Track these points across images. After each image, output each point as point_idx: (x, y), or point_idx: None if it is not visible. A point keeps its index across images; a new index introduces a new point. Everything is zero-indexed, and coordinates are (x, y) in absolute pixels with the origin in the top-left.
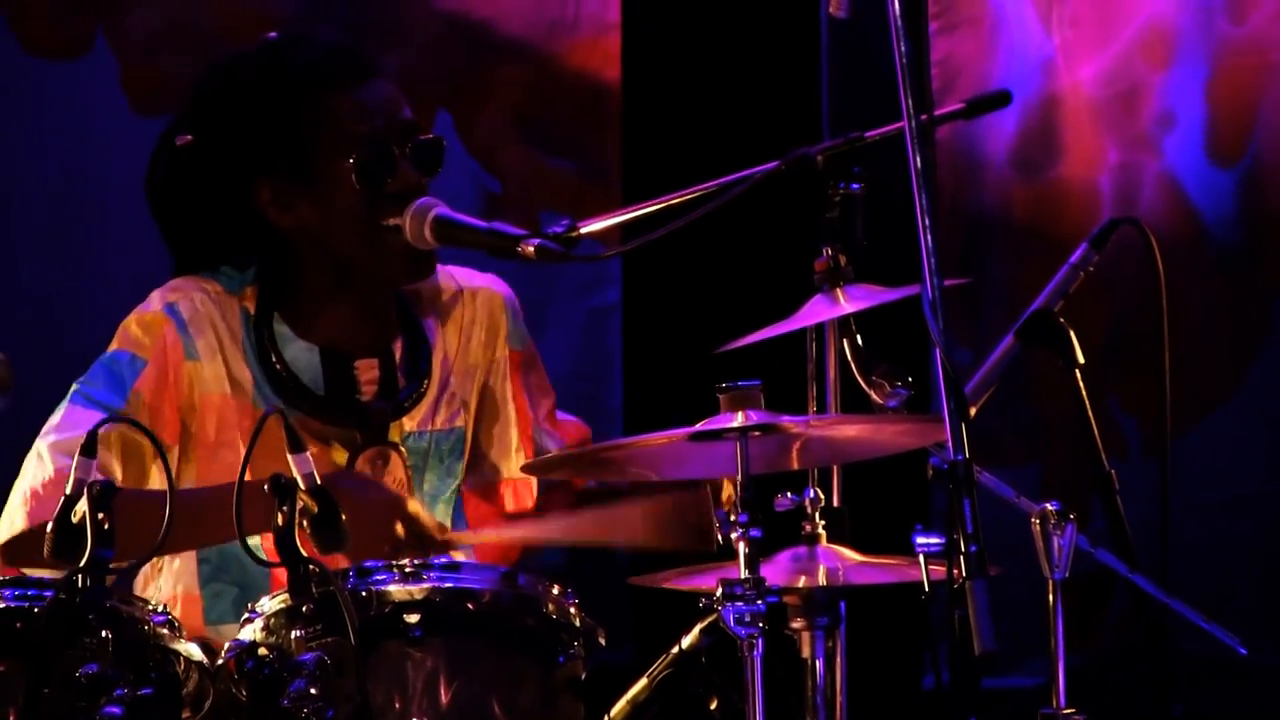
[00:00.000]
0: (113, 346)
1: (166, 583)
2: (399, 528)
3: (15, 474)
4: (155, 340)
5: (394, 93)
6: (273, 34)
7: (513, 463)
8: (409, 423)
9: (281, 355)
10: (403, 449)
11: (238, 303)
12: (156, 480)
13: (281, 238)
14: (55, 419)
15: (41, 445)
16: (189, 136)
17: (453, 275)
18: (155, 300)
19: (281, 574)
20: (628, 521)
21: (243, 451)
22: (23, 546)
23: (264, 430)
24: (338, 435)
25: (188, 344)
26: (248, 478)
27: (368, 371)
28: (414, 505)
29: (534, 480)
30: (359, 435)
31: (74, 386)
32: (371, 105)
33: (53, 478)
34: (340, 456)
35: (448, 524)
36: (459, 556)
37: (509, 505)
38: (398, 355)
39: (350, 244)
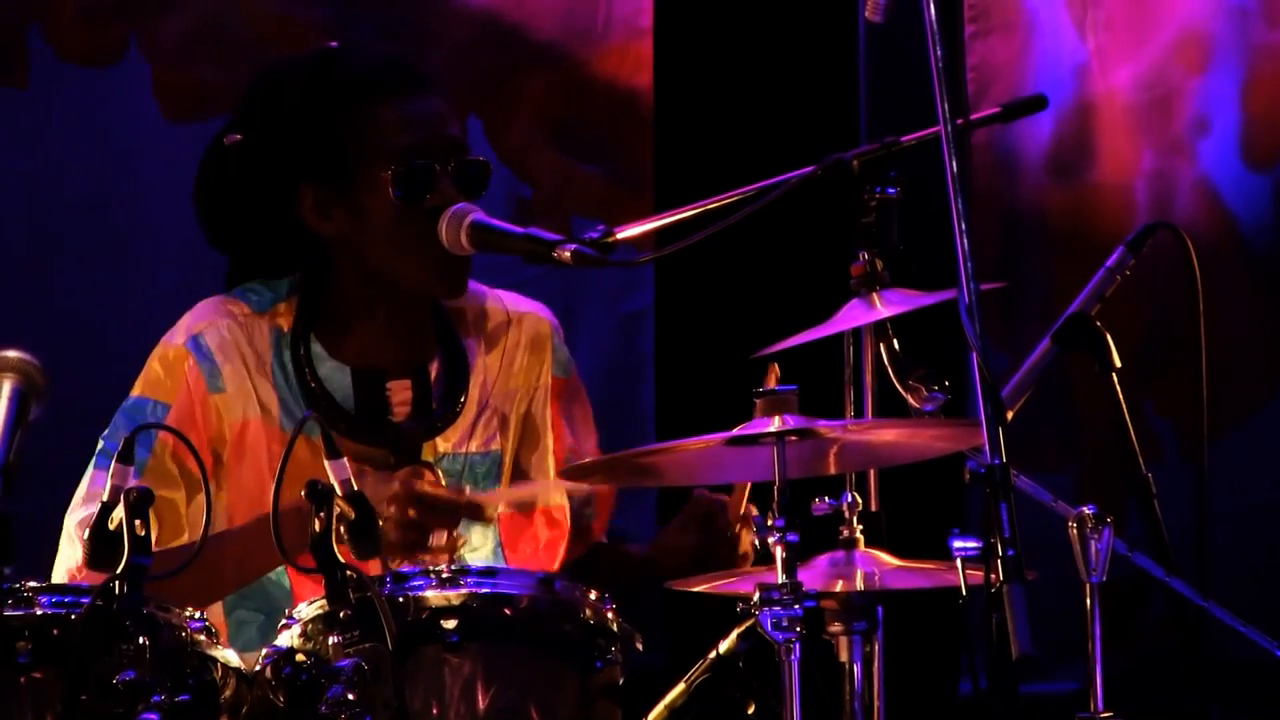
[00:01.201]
0: (136, 390)
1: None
2: (410, 512)
3: (53, 483)
4: (177, 381)
5: (443, 109)
6: (333, 43)
7: (551, 490)
8: (443, 444)
9: (316, 373)
10: (438, 469)
11: (267, 322)
12: (187, 535)
13: (322, 247)
14: (81, 490)
15: (70, 524)
16: (238, 136)
17: (500, 299)
18: (180, 333)
19: (305, 594)
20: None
21: (267, 474)
22: None
23: (293, 457)
24: (370, 455)
25: (211, 377)
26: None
27: (400, 393)
28: (420, 485)
29: (568, 509)
30: (392, 456)
31: (99, 444)
32: (417, 119)
33: (85, 559)
34: None
35: (487, 550)
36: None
37: (543, 534)
38: (433, 375)
39: (385, 256)
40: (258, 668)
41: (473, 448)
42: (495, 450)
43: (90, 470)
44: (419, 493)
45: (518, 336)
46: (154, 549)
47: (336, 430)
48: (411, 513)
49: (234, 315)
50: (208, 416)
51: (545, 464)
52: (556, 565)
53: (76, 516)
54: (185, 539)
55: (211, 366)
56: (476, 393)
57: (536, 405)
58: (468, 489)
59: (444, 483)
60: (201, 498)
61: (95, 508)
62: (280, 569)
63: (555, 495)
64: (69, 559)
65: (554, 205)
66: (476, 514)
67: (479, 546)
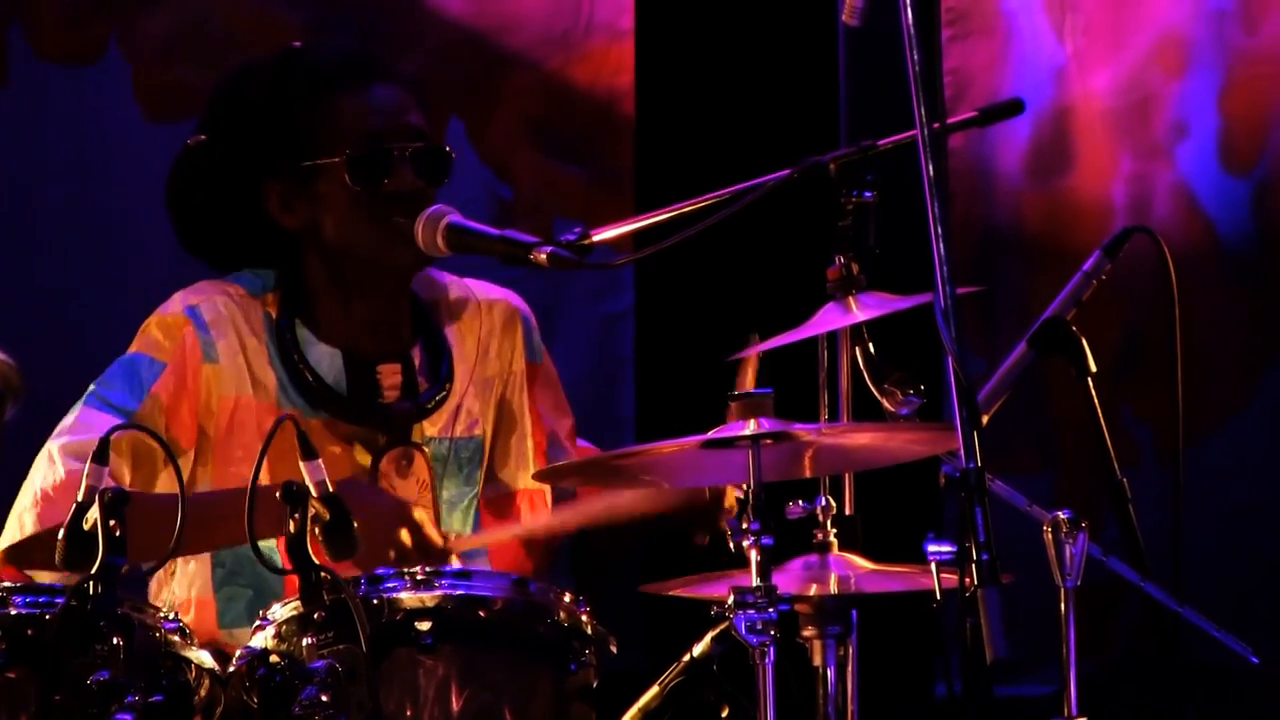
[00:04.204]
0: (132, 348)
1: (180, 586)
2: (404, 535)
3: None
4: (175, 343)
5: (402, 98)
6: (296, 43)
7: (528, 475)
8: (430, 428)
9: (305, 358)
10: (426, 450)
11: (260, 306)
12: (165, 485)
13: (291, 240)
14: (69, 420)
15: (53, 446)
16: (202, 136)
17: (470, 288)
18: (177, 302)
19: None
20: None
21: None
22: (31, 550)
23: (282, 437)
24: (361, 437)
25: (207, 347)
26: (264, 482)
27: (390, 376)
28: (419, 513)
29: (548, 492)
30: (382, 437)
31: (90, 388)
32: (375, 107)
33: (63, 480)
34: (364, 458)
35: (466, 531)
36: (472, 563)
37: (525, 516)
38: (416, 361)
39: (345, 241)
40: (232, 668)
41: (457, 432)
42: (478, 435)
43: (80, 405)
44: (418, 523)
45: (490, 324)
46: (130, 489)
47: (329, 412)
48: (405, 536)
49: (230, 294)
50: (198, 386)
51: (524, 448)
52: (537, 555)
53: (61, 441)
54: (160, 487)
55: (207, 337)
56: (459, 379)
57: (512, 391)
58: (458, 522)
59: (431, 466)
60: (182, 463)
61: (85, 437)
62: (273, 547)
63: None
64: (46, 479)
65: (535, 206)
66: (444, 559)
67: (461, 532)
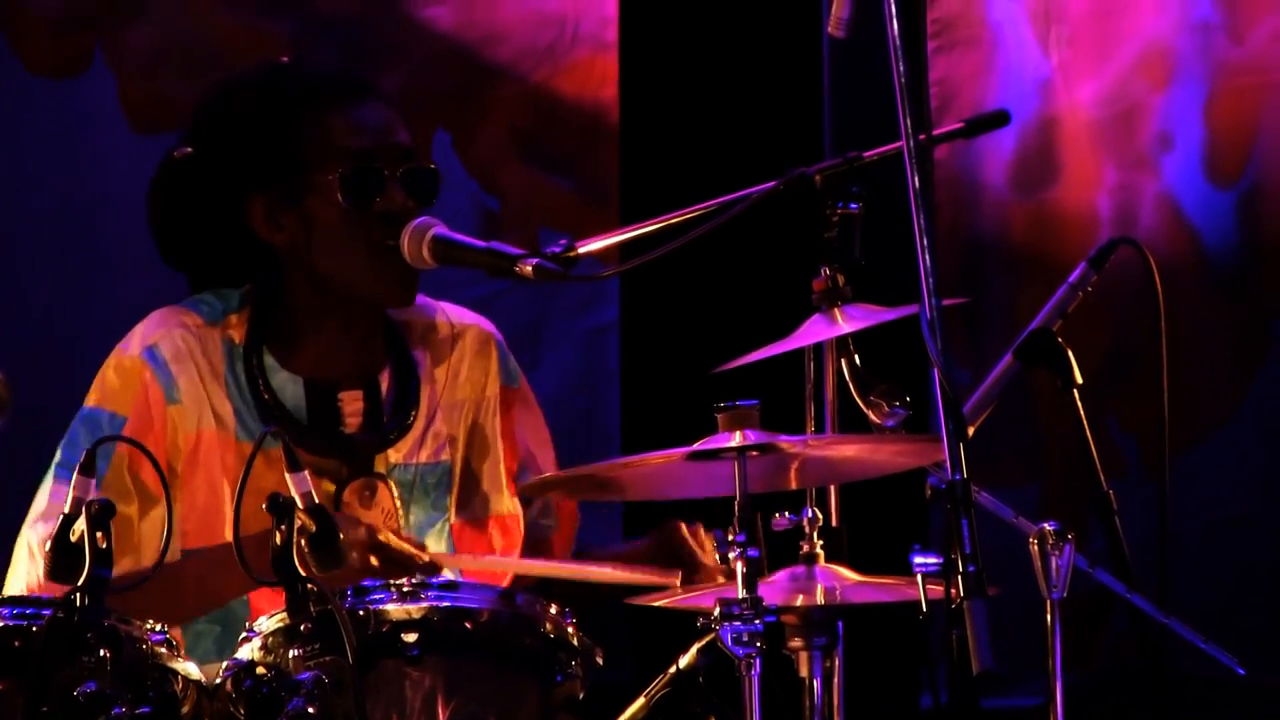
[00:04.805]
0: (90, 400)
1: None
2: (372, 560)
3: (15, 495)
4: (133, 392)
5: (392, 117)
6: (284, 58)
7: (503, 498)
8: (394, 455)
9: (269, 383)
10: (391, 480)
11: (219, 333)
12: (141, 551)
13: (272, 256)
14: (40, 504)
15: (31, 538)
16: (188, 149)
17: (445, 312)
18: (135, 342)
19: (262, 608)
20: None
21: (221, 486)
22: None
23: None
24: (322, 466)
25: (169, 388)
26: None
27: (352, 403)
28: (384, 534)
29: (521, 516)
30: (345, 468)
31: (56, 457)
32: (366, 125)
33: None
34: (328, 487)
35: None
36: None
37: (497, 542)
38: (384, 386)
39: (335, 262)
40: (218, 680)
41: (423, 458)
42: (445, 461)
43: (49, 483)
44: (382, 544)
45: (463, 349)
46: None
47: (289, 440)
48: (375, 561)
49: (187, 325)
50: (162, 430)
51: (497, 473)
52: (507, 579)
53: (36, 532)
54: (134, 558)
55: (168, 377)
56: (425, 404)
57: (485, 416)
58: (429, 548)
59: (396, 494)
60: (155, 512)
61: (55, 524)
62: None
63: (507, 503)
64: (27, 575)
65: (522, 218)
66: (431, 572)
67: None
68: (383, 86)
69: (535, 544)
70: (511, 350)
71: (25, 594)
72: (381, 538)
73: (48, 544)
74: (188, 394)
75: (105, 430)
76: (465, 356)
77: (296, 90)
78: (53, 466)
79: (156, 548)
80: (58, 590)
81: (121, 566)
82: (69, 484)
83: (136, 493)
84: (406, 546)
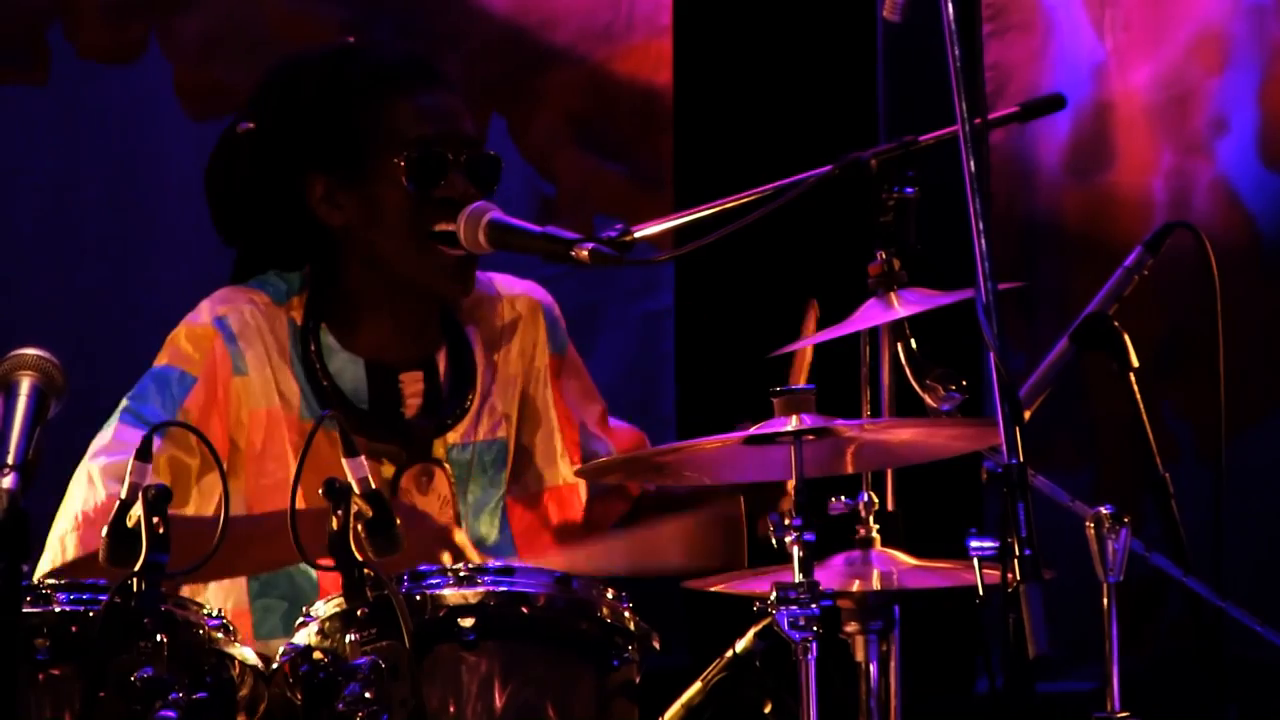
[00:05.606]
0: (161, 360)
1: (215, 597)
2: (446, 559)
3: (68, 478)
4: (204, 356)
5: (457, 104)
6: (349, 38)
7: (558, 470)
8: (452, 435)
9: (326, 368)
10: (447, 466)
11: (284, 314)
12: (194, 504)
13: (331, 238)
14: (105, 438)
15: (93, 467)
16: (250, 124)
17: (492, 281)
18: (204, 312)
19: (330, 585)
20: (660, 547)
21: (290, 465)
22: (73, 574)
23: (316, 451)
24: (383, 450)
25: (236, 358)
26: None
27: (412, 385)
28: (460, 537)
29: (581, 487)
30: (403, 453)
31: (123, 403)
32: (432, 111)
33: (104, 503)
34: (387, 470)
35: (494, 533)
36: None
37: (554, 514)
38: (441, 367)
39: (395, 247)
40: (275, 665)
41: (479, 436)
42: (501, 437)
43: (115, 422)
44: (457, 547)
45: (512, 317)
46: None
47: (349, 425)
48: (449, 561)
49: (255, 302)
50: (227, 399)
51: (552, 444)
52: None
53: (97, 463)
54: (191, 509)
55: (236, 349)
56: (480, 382)
57: (535, 386)
58: (484, 526)
59: (452, 480)
60: (211, 476)
61: (123, 456)
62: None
63: (564, 473)
64: (86, 501)
65: (577, 203)
66: None
67: (487, 535)
68: (451, 80)
69: (606, 507)
70: (568, 335)
71: (79, 518)
72: (458, 540)
73: (109, 482)
74: (255, 368)
75: (174, 388)
76: (515, 325)
77: (364, 73)
78: (119, 410)
79: (212, 502)
80: (99, 528)
81: (183, 512)
82: (134, 428)
83: (198, 448)
84: (476, 557)
